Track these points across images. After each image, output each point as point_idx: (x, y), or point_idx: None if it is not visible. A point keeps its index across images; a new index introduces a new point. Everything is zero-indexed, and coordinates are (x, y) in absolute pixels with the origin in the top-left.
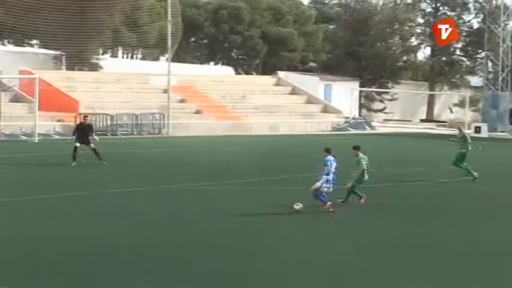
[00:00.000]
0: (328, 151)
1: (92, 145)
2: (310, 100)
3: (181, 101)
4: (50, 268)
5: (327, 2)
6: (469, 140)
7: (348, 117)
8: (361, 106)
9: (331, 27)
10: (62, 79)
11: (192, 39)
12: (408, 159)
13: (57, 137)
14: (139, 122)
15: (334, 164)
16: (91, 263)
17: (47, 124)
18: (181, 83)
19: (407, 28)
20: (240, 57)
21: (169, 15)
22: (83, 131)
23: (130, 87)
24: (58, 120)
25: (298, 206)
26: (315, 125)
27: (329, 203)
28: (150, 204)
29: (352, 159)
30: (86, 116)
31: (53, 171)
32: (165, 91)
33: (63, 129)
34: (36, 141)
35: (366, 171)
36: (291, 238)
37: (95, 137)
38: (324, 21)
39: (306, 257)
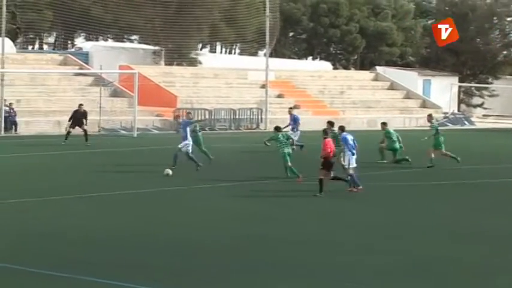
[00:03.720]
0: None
1: (85, 127)
2: (409, 95)
3: (279, 96)
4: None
5: None
6: None
7: (446, 113)
8: (460, 101)
9: (430, 21)
10: (161, 74)
11: (291, 34)
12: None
13: (156, 131)
14: (237, 116)
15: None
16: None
17: (146, 119)
18: (279, 78)
19: (506, 23)
20: (338, 52)
21: (267, 10)
22: (77, 116)
23: (229, 82)
24: (157, 115)
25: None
26: (413, 120)
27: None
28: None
29: None
30: (81, 104)
31: (148, 166)
32: (263, 86)
33: (162, 124)
34: (135, 135)
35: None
36: None
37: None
38: (423, 15)
39: None
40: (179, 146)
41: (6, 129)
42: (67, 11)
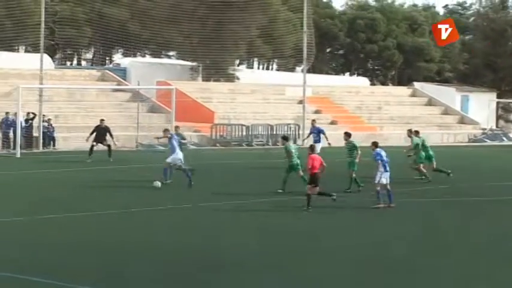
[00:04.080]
0: (375, 144)
1: (109, 143)
2: (447, 111)
3: (317, 111)
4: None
5: (463, 12)
6: None
7: (485, 129)
8: (498, 117)
9: (467, 37)
10: (198, 90)
11: (328, 50)
12: None
13: (193, 147)
14: (274, 132)
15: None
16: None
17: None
18: (317, 93)
19: None
20: (375, 67)
21: (305, 26)
22: (100, 132)
23: (266, 98)
24: (194, 131)
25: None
26: (451, 136)
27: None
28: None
29: None
30: (103, 120)
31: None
32: (301, 102)
33: (200, 140)
34: None
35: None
36: None
37: (115, 142)
38: (461, 31)
39: None
40: (172, 162)
41: (44, 144)
42: (105, 27)
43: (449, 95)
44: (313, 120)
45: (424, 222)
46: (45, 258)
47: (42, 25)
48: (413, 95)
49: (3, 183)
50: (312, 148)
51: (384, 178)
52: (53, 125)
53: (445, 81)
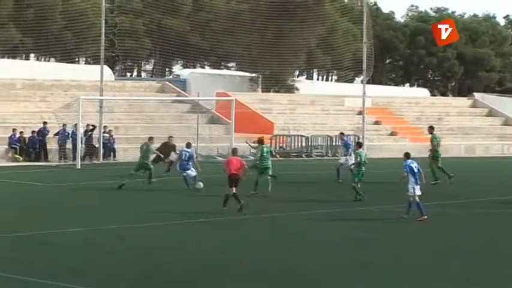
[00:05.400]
0: (407, 155)
1: (170, 159)
2: (507, 122)
3: (376, 122)
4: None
5: None
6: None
7: None
8: None
9: None
10: (258, 101)
11: (387, 61)
12: None
13: (252, 158)
14: (333, 143)
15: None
16: None
17: (242, 145)
18: (376, 104)
19: None
20: (435, 78)
21: (364, 37)
22: (166, 149)
23: (325, 109)
24: (254, 142)
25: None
26: None
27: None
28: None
29: None
30: (171, 137)
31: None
32: (360, 113)
33: None
34: None
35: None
36: None
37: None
38: None
39: None
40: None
41: (104, 156)
42: (165, 39)
43: (510, 105)
44: (342, 134)
45: (478, 233)
46: (104, 269)
47: (103, 37)
48: (473, 105)
49: (63, 193)
50: (233, 151)
51: (415, 189)
52: (113, 136)
53: (505, 91)
